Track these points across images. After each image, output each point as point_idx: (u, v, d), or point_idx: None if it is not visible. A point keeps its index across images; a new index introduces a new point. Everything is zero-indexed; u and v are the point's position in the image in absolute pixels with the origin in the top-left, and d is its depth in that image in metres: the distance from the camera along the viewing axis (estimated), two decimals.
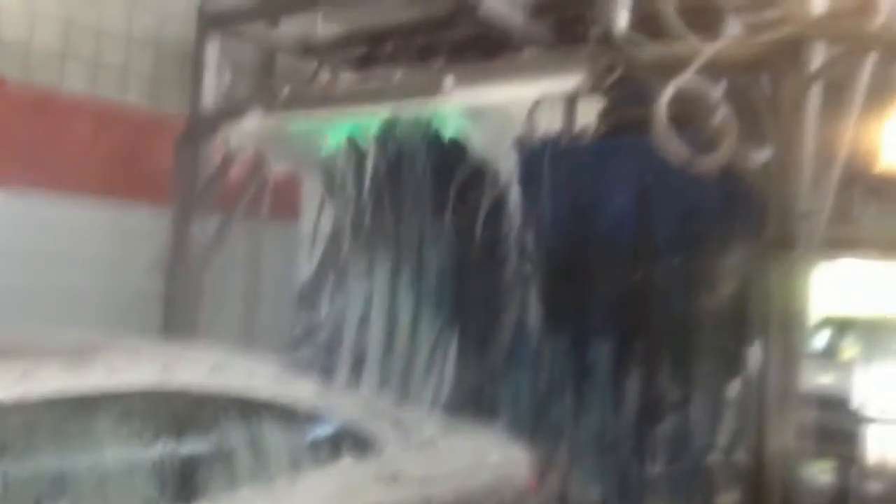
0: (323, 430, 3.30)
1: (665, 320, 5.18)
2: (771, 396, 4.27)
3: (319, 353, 6.80)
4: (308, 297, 7.00)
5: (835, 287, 7.44)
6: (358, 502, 3.26)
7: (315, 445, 3.24)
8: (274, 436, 3.06)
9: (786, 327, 4.25)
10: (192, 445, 2.86)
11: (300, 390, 3.28)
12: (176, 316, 6.46)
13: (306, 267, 7.09)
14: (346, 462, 3.31)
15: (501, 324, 5.74)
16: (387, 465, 3.43)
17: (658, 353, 5.21)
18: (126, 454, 2.67)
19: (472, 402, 5.81)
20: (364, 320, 6.52)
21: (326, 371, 6.76)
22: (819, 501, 5.77)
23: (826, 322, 8.44)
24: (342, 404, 3.47)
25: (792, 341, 4.25)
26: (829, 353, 7.86)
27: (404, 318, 6.28)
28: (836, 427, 5.78)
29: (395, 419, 3.69)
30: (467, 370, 6.03)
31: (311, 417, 3.25)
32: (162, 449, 2.71)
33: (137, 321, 6.20)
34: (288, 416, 3.15)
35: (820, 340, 8.41)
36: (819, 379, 6.61)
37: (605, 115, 6.72)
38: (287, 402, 3.17)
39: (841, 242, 5.33)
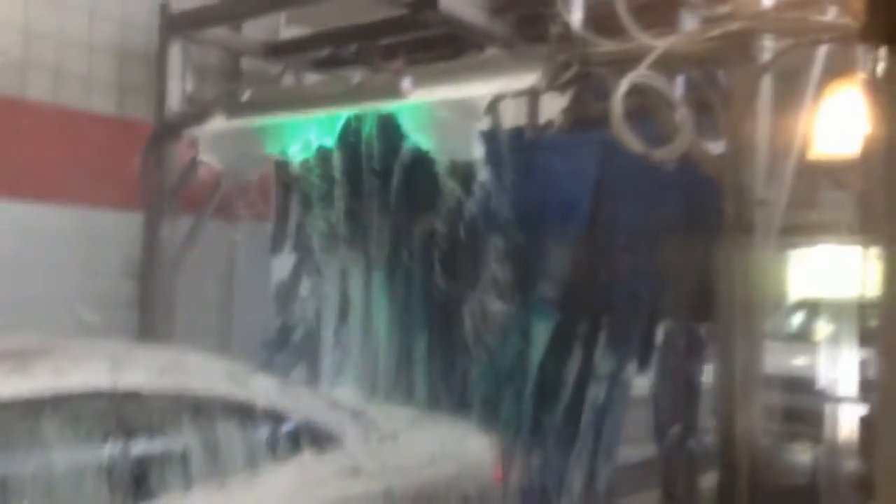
0: (281, 427, 3.33)
1: (621, 303, 5.29)
2: (733, 379, 4.36)
3: (295, 354, 6.85)
4: (283, 297, 7.04)
5: (809, 271, 7.59)
6: (318, 497, 3.31)
7: (273, 442, 3.26)
8: (229, 433, 3.09)
9: (745, 311, 4.35)
10: (144, 446, 2.87)
11: (257, 387, 3.31)
12: (151, 319, 6.48)
13: (281, 268, 7.12)
14: (306, 457, 3.36)
15: (469, 316, 5.82)
16: (347, 459, 3.48)
17: (616, 337, 5.31)
18: (75, 456, 2.69)
19: (446, 394, 5.90)
20: (339, 320, 6.57)
21: (303, 370, 6.83)
22: (791, 481, 5.86)
23: (800, 305, 8.62)
24: (301, 400, 3.50)
25: (752, 325, 4.36)
26: (803, 336, 8.03)
27: (379, 315, 6.33)
28: (808, 407, 5.88)
29: (357, 413, 3.74)
30: (440, 364, 6.12)
31: (269, 414, 3.28)
32: (112, 450, 2.73)
33: (112, 326, 6.23)
34: (244, 413, 3.18)
35: (794, 323, 8.59)
36: (793, 361, 6.74)
37: (568, 109, 6.83)
38: (243, 399, 3.21)
39: (805, 228, 5.43)
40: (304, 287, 6.93)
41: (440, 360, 6.12)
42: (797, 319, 8.68)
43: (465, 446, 4.11)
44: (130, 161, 6.48)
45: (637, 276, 5.22)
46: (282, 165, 6.39)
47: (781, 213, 4.51)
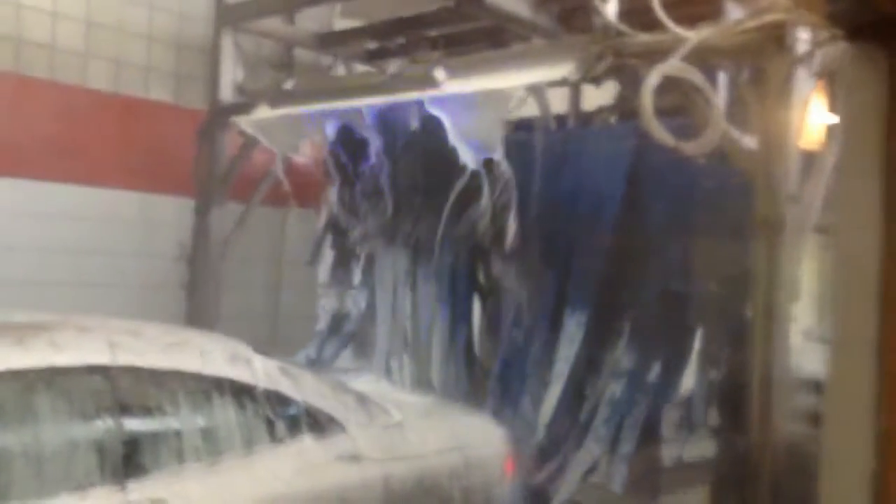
0: (281, 409, 3.39)
1: (652, 296, 5.22)
2: (758, 377, 4.28)
3: (344, 340, 6.96)
4: (331, 284, 7.16)
5: None
6: (314, 480, 3.36)
7: (272, 424, 3.33)
8: (227, 413, 3.17)
9: (772, 311, 4.25)
10: (140, 422, 2.96)
11: (258, 369, 3.37)
12: (200, 303, 6.68)
13: (328, 254, 7.25)
14: (306, 441, 3.41)
15: (504, 304, 5.83)
16: (348, 444, 3.52)
17: (644, 332, 5.23)
18: (70, 430, 2.78)
19: (485, 384, 5.93)
20: (385, 308, 6.64)
21: (353, 357, 6.93)
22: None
23: None
24: (304, 384, 3.54)
25: (780, 325, 4.25)
26: None
27: (423, 304, 6.39)
28: None
29: (362, 400, 3.77)
30: (483, 354, 6.15)
31: (269, 396, 3.34)
32: (107, 425, 2.81)
33: (163, 309, 6.45)
34: (244, 394, 3.25)
35: None
36: None
37: (618, 101, 6.74)
38: (244, 380, 3.28)
39: None
40: (355, 274, 7.05)
41: (482, 350, 6.17)
42: None
43: (475, 438, 4.10)
44: (185, 148, 6.69)
45: (672, 270, 5.15)
46: (332, 154, 6.52)
47: (817, 211, 4.39)
